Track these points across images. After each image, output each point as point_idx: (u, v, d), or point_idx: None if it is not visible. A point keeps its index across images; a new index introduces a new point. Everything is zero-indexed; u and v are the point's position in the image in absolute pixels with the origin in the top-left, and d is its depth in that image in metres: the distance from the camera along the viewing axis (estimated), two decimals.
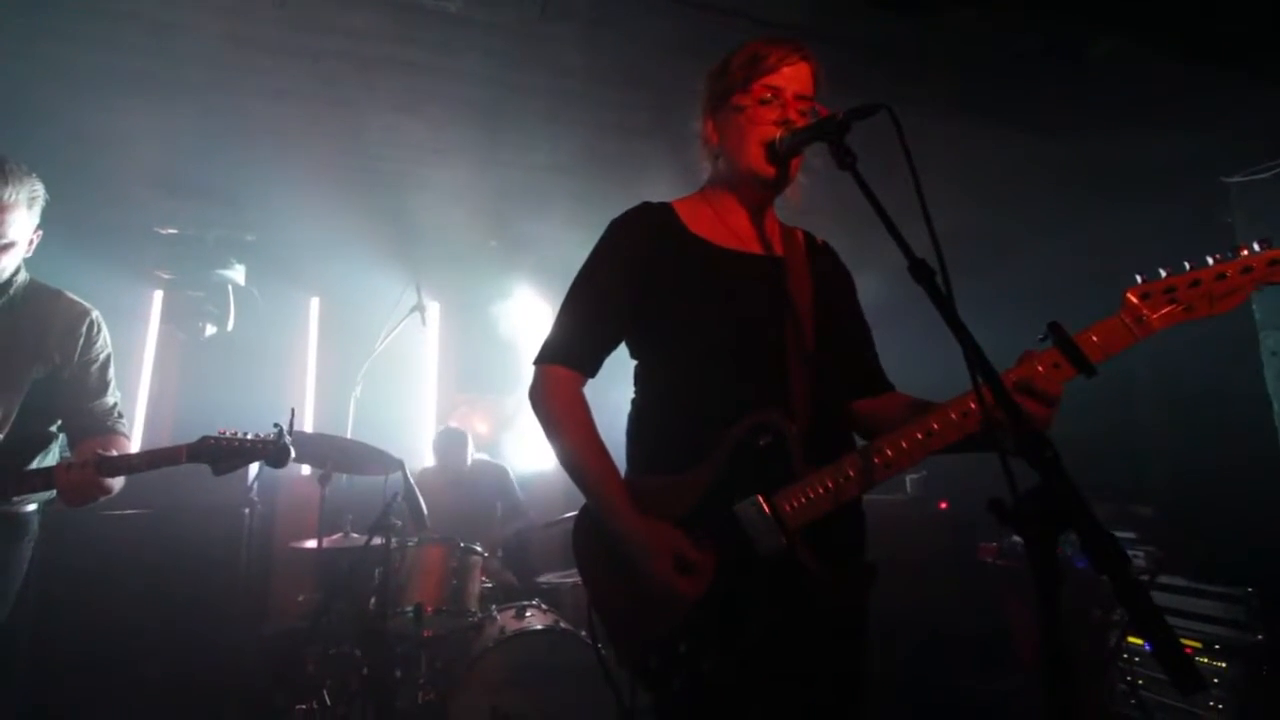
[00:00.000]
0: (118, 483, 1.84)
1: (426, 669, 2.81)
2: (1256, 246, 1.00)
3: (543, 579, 3.38)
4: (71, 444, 1.94)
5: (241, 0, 2.32)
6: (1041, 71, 2.71)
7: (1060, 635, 0.71)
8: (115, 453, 1.81)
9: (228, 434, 1.90)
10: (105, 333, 1.98)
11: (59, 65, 2.65)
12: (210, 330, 4.09)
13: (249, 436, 1.92)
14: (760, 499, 1.15)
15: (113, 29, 2.45)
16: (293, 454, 1.95)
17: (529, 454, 4.77)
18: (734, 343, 1.26)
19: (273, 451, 1.92)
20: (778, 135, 1.24)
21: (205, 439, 1.88)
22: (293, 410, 2.13)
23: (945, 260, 0.89)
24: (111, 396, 1.98)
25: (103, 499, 1.82)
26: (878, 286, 2.10)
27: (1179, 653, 0.60)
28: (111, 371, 2.00)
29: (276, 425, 1.96)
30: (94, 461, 1.76)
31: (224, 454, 1.88)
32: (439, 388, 4.97)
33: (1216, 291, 1.01)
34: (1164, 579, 3.03)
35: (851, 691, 1.25)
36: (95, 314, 1.96)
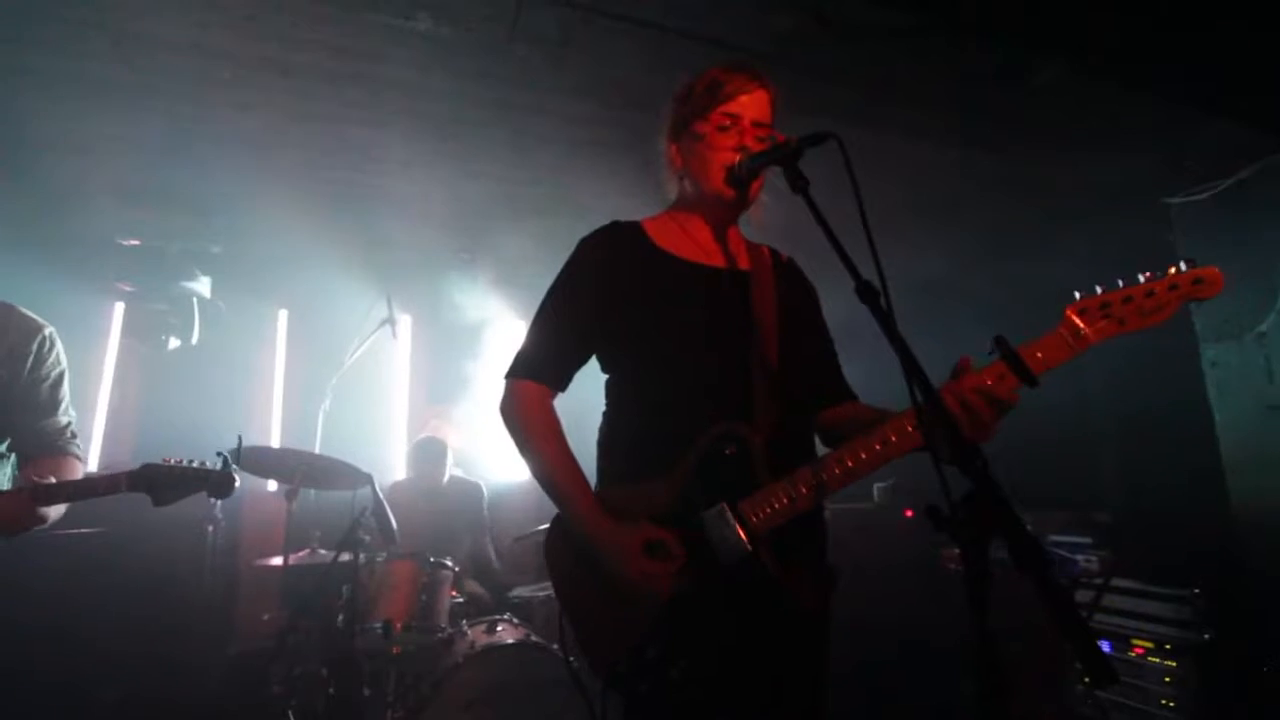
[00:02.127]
0: (55, 511, 1.77)
1: (395, 686, 2.77)
2: (1183, 265, 1.09)
3: (514, 593, 3.37)
4: (22, 465, 1.88)
5: (210, 12, 2.32)
6: (991, 96, 2.84)
7: (992, 634, 0.76)
8: (53, 479, 1.74)
9: (172, 462, 1.83)
10: (59, 350, 1.93)
11: (20, 71, 2.61)
12: (174, 343, 4.01)
13: (194, 465, 1.85)
14: (725, 507, 1.19)
15: (77, 37, 2.42)
16: (237, 484, 1.90)
17: (501, 467, 4.76)
18: (698, 355, 1.30)
19: (216, 482, 1.85)
20: (736, 161, 1.30)
21: (148, 466, 1.81)
22: (239, 438, 2.09)
23: (887, 279, 0.95)
24: (64, 416, 1.92)
25: (40, 529, 1.74)
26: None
27: (1092, 648, 0.65)
28: (65, 390, 1.94)
29: (220, 454, 1.89)
30: (29, 489, 1.69)
31: (166, 483, 1.81)
32: (410, 401, 4.93)
33: (1146, 307, 1.09)
34: (1117, 582, 3.15)
35: (816, 695, 1.29)
36: (49, 330, 1.91)
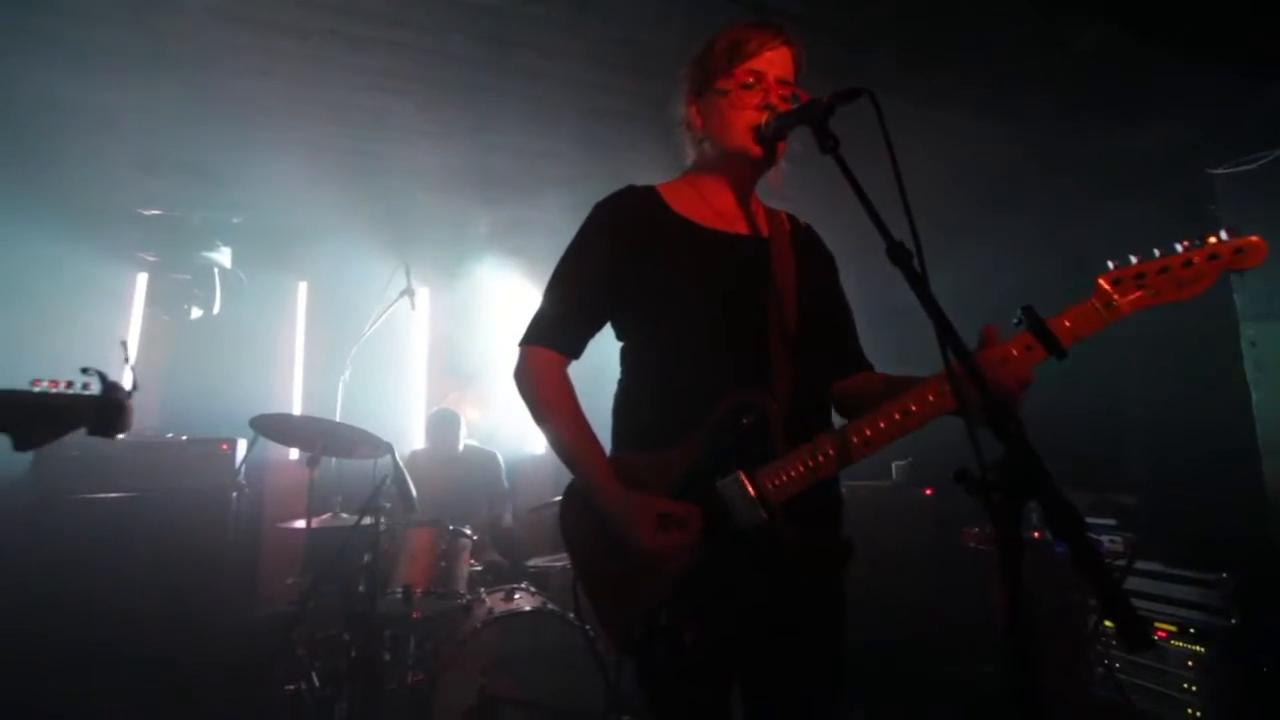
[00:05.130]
0: None
1: (415, 650, 2.83)
2: (1224, 234, 1.03)
3: (531, 562, 3.41)
4: None
5: None
6: (1030, 63, 2.73)
7: (1024, 600, 0.73)
8: None
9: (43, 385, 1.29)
10: None
11: (39, 40, 2.61)
12: (196, 313, 4.06)
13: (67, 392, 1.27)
14: (742, 475, 1.17)
15: (98, 3, 2.41)
16: (131, 416, 1.28)
17: (519, 438, 4.79)
18: (716, 322, 1.28)
19: (100, 411, 1.27)
20: (762, 119, 1.25)
21: None
22: (123, 343, 1.46)
23: (922, 245, 0.91)
24: None
25: None
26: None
27: (1127, 610, 0.63)
28: None
29: (89, 371, 1.30)
30: None
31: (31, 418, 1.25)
32: (429, 371, 4.97)
33: (1183, 278, 1.04)
34: (1141, 564, 3.09)
35: (830, 665, 1.28)
36: None
